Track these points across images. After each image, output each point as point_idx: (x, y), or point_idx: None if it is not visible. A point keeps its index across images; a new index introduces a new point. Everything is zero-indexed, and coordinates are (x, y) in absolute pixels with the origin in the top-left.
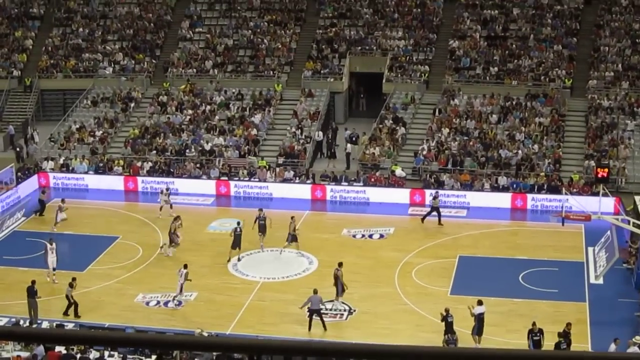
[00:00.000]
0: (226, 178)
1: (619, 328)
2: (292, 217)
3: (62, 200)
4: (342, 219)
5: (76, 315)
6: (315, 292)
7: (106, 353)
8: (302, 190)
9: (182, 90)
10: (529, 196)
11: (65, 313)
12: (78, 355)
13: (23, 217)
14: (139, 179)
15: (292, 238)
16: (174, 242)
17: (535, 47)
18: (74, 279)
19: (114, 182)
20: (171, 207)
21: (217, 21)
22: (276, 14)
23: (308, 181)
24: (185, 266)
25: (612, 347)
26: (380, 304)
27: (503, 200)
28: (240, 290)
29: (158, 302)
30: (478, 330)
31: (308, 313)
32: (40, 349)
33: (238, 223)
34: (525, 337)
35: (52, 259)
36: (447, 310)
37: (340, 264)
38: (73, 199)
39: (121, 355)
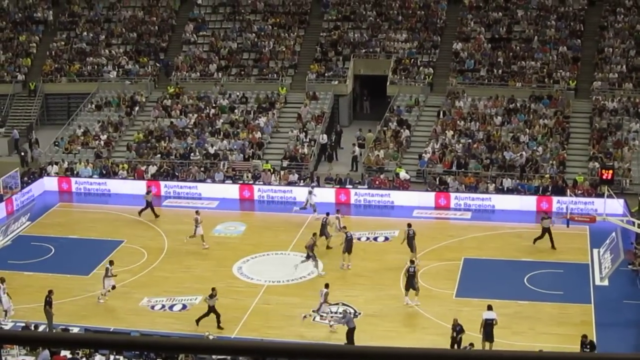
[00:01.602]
0: (231, 181)
1: (624, 330)
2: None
3: (197, 212)
4: (346, 221)
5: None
6: (344, 314)
7: (111, 357)
8: (327, 194)
9: (171, 93)
10: (554, 199)
11: (219, 326)
12: (83, 359)
13: (28, 221)
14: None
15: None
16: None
17: (539, 49)
18: (213, 289)
19: (140, 187)
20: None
21: (221, 24)
22: (280, 17)
23: (328, 185)
24: (327, 286)
25: None
26: (385, 306)
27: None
28: (246, 294)
29: (163, 306)
30: (487, 336)
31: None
32: (45, 353)
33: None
34: (529, 339)
35: (5, 300)
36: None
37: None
38: (90, 204)
39: (126, 359)
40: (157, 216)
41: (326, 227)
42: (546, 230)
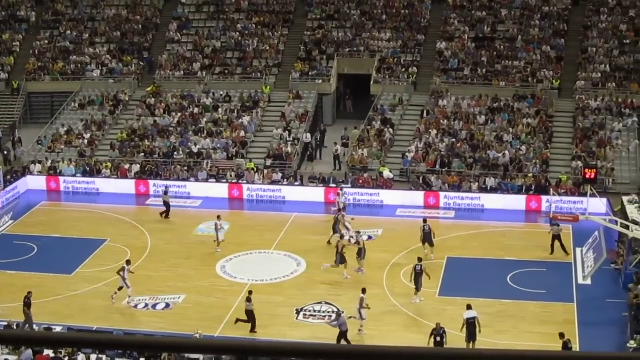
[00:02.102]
0: (214, 180)
1: (607, 328)
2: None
3: (218, 217)
4: (331, 220)
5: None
6: (338, 314)
7: (94, 356)
8: (317, 194)
9: (149, 92)
10: (544, 198)
11: (253, 330)
12: (66, 359)
13: (11, 220)
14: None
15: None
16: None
17: (523, 48)
18: (250, 292)
19: (127, 186)
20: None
21: (205, 23)
22: (264, 16)
23: (312, 184)
24: (364, 290)
25: None
26: (368, 304)
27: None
28: (229, 293)
29: (146, 305)
30: (470, 335)
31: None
32: (28, 353)
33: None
34: (513, 338)
35: None
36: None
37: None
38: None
39: (109, 358)
40: (167, 217)
41: (338, 223)
42: (556, 238)
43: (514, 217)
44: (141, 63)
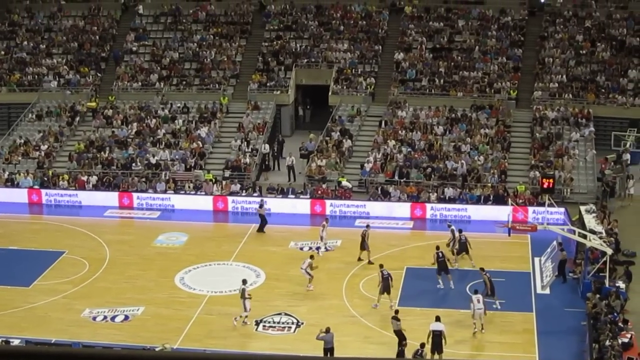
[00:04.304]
0: (172, 192)
1: (565, 337)
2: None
3: (327, 220)
4: (289, 231)
5: None
6: (327, 330)
7: None
8: (302, 206)
9: (90, 107)
10: (530, 209)
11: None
12: None
13: None
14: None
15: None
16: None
17: (480, 59)
18: (397, 312)
19: (109, 198)
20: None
21: (162, 34)
22: (222, 26)
23: (271, 195)
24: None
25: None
26: (327, 315)
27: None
28: (188, 304)
29: (105, 317)
30: (435, 346)
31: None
32: None
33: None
34: (472, 348)
35: None
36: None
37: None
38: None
39: None
40: (263, 232)
41: (366, 239)
42: (564, 263)
43: (478, 228)
44: (99, 74)
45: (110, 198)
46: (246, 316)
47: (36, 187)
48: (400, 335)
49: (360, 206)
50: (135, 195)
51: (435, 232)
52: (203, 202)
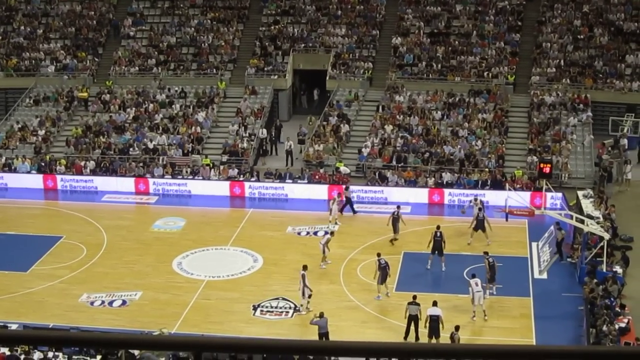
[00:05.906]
0: (170, 177)
1: (562, 322)
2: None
3: (339, 194)
4: (287, 216)
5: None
6: (321, 315)
7: (50, 354)
8: (320, 191)
9: (82, 97)
10: (548, 195)
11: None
12: (22, 356)
13: None
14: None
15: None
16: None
17: (478, 44)
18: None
19: (125, 183)
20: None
21: (159, 19)
22: (219, 11)
23: (268, 180)
24: (305, 268)
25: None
26: (325, 300)
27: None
28: (185, 289)
29: (102, 302)
30: (432, 332)
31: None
32: None
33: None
34: (469, 333)
35: None
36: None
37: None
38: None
39: (66, 356)
40: (355, 212)
41: (399, 221)
42: (561, 242)
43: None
44: (96, 59)
45: (125, 184)
46: (308, 300)
47: (34, 172)
48: (415, 320)
49: (378, 192)
50: (151, 180)
51: (432, 217)
52: (220, 187)
